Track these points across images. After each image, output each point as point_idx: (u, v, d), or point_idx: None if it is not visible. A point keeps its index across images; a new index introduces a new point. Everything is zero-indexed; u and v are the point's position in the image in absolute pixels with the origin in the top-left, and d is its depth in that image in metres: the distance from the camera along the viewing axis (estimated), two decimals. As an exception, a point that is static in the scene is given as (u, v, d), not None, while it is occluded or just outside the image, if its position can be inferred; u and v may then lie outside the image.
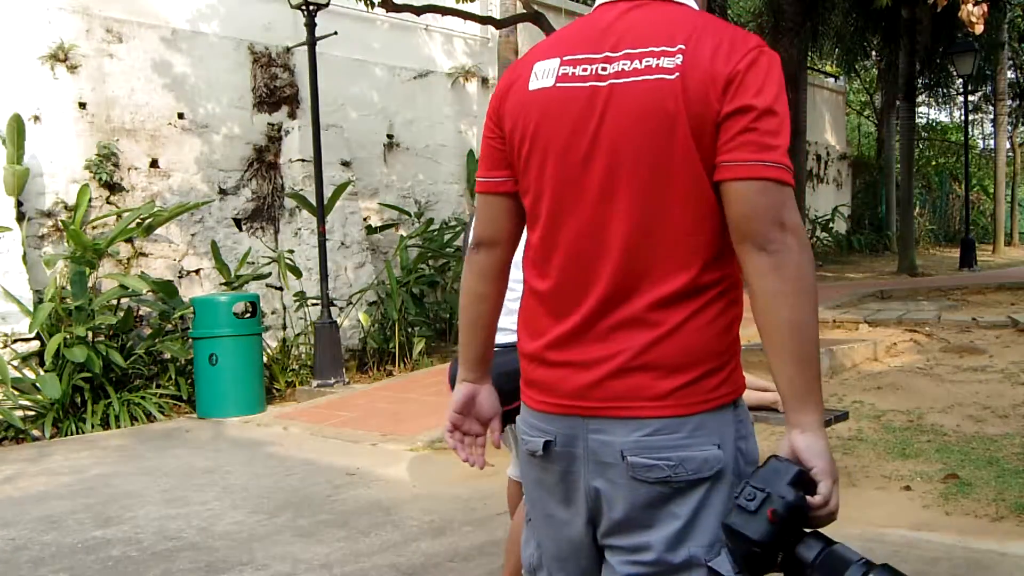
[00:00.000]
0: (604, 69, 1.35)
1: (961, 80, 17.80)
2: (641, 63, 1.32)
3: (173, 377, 7.58)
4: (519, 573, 2.95)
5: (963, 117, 19.96)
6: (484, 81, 11.57)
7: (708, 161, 1.30)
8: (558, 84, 1.39)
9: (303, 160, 9.12)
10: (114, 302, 7.58)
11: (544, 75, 1.41)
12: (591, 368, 1.39)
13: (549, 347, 1.45)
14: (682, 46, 1.30)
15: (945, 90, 22.83)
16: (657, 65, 1.30)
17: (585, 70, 1.37)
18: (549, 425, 1.45)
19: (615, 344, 1.37)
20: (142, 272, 8.03)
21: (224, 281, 8.49)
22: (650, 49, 1.32)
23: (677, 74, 1.28)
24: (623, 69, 1.33)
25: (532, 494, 1.55)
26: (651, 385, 1.35)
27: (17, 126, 7.26)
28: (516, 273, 1.62)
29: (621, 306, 1.37)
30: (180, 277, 8.50)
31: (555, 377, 1.44)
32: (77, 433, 6.71)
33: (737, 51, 1.29)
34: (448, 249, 9.91)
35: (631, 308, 1.36)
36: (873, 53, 19.35)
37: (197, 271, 8.70)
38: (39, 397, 6.75)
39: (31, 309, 7.03)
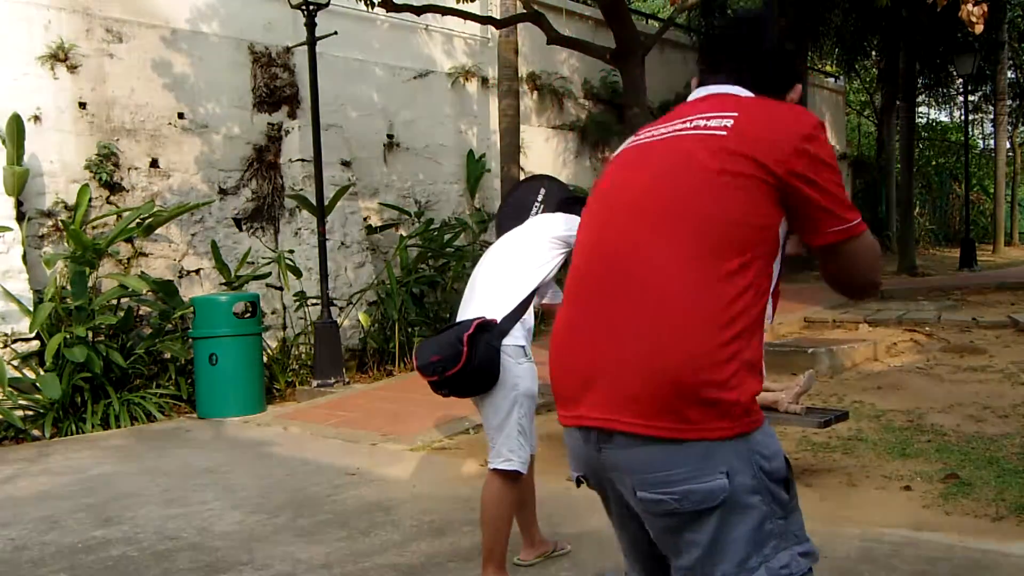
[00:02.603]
0: (663, 131, 1.64)
1: (961, 80, 17.80)
2: (691, 123, 1.58)
3: (173, 377, 7.58)
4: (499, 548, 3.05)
5: (963, 117, 19.96)
6: (484, 81, 11.56)
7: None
8: (629, 146, 1.72)
9: (303, 160, 9.12)
10: (114, 302, 7.58)
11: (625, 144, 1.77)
12: None
13: None
14: (735, 114, 1.54)
15: (945, 90, 22.82)
16: (706, 125, 1.55)
17: (651, 135, 1.67)
18: None
19: None
20: (142, 272, 8.03)
21: (224, 281, 8.49)
22: (705, 114, 1.58)
23: (725, 132, 1.52)
24: (677, 127, 1.61)
25: None
26: None
27: (17, 126, 7.26)
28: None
29: None
30: (180, 277, 8.50)
31: None
32: (77, 433, 6.71)
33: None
34: (448, 249, 9.91)
35: None
36: (873, 53, 19.34)
37: (197, 271, 8.70)
38: (39, 397, 6.74)
39: (31, 309, 7.03)
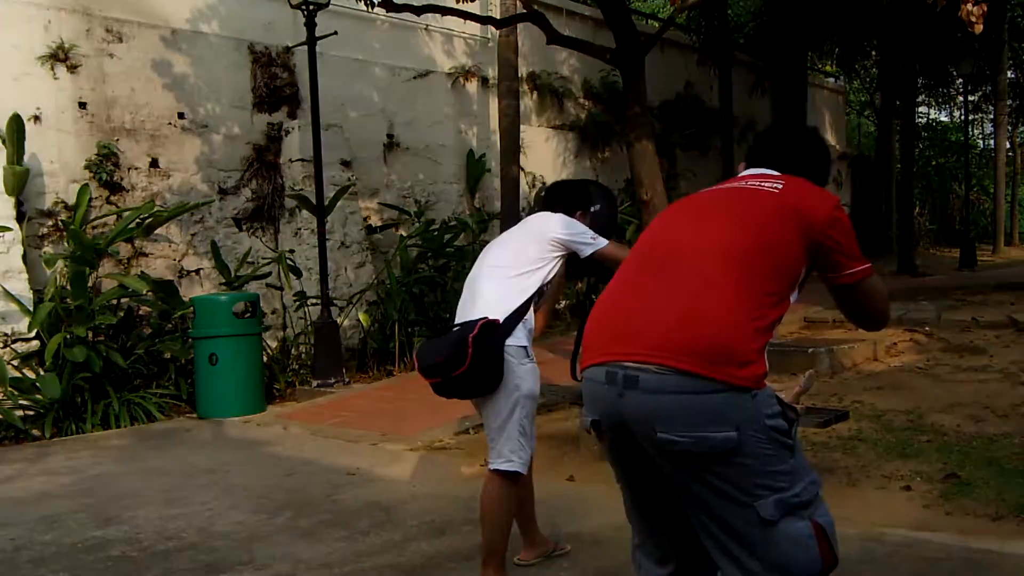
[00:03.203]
0: (719, 187, 2.18)
1: (961, 80, 17.79)
2: (746, 183, 2.10)
3: (173, 377, 7.58)
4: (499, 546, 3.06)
5: (963, 117, 19.96)
6: (484, 81, 11.56)
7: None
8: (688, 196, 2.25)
9: (303, 160, 9.11)
10: (114, 302, 7.57)
11: None
12: None
13: None
14: (783, 184, 2.03)
15: (945, 90, 22.83)
16: (760, 185, 2.05)
17: (707, 190, 2.19)
18: None
19: None
20: (142, 272, 8.02)
21: (224, 281, 8.48)
22: (757, 181, 2.09)
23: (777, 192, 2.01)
24: (733, 185, 2.13)
25: None
26: None
27: (17, 126, 7.26)
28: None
29: None
30: (180, 277, 8.50)
31: None
32: (77, 433, 6.71)
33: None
34: (448, 249, 9.90)
35: None
36: (873, 53, 19.33)
37: (197, 271, 8.70)
38: (39, 397, 6.74)
39: (31, 309, 7.03)
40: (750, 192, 2.03)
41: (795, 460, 1.84)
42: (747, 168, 2.20)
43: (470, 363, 2.91)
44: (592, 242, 3.19)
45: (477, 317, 3.04)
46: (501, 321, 3.03)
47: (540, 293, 3.18)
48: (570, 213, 3.36)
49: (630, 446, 1.90)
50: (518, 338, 3.07)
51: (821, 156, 2.22)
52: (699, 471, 1.79)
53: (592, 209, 3.44)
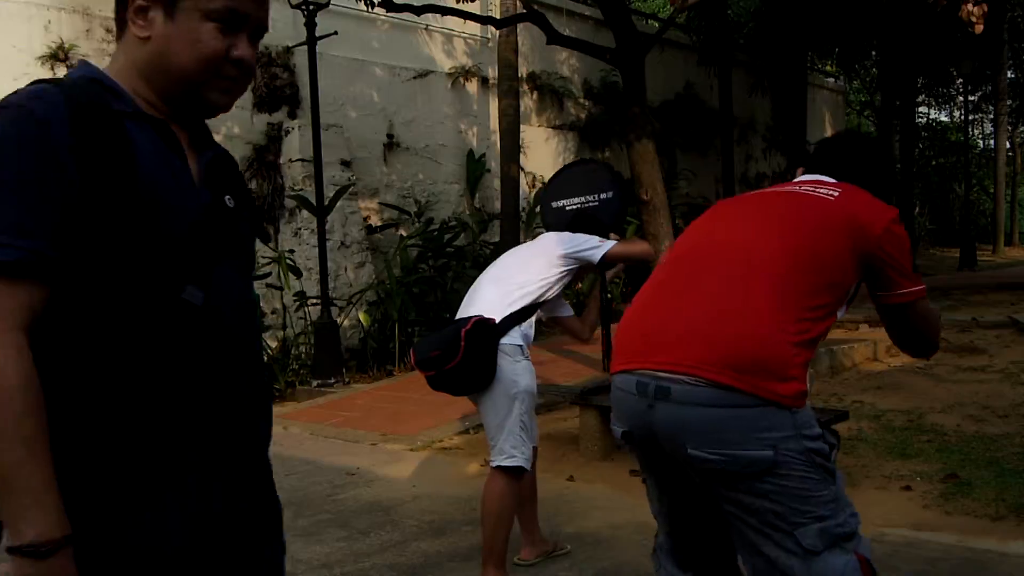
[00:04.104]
0: (771, 189, 2.07)
1: (961, 80, 17.80)
2: (800, 187, 1.96)
3: (173, 377, 7.57)
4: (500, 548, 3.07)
5: (963, 117, 19.97)
6: (484, 81, 11.56)
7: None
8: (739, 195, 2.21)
9: (303, 160, 9.12)
10: (114, 302, 7.57)
11: None
12: None
13: None
14: (839, 191, 1.89)
15: (945, 90, 22.83)
16: (815, 191, 1.91)
17: (758, 192, 2.11)
18: None
19: None
20: (142, 272, 8.02)
21: (224, 281, 8.47)
22: (812, 186, 1.95)
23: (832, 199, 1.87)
24: (785, 189, 2.00)
25: None
26: None
27: (17, 126, 7.26)
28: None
29: None
30: (180, 277, 8.49)
31: None
32: (77, 433, 6.70)
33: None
34: (448, 249, 9.91)
35: None
36: (873, 53, 19.33)
37: (197, 271, 8.69)
38: (39, 397, 6.74)
39: (31, 309, 7.02)
40: (802, 197, 1.90)
41: (836, 487, 1.72)
42: (805, 173, 2.06)
43: (462, 357, 2.96)
44: (599, 246, 3.25)
45: (474, 314, 3.09)
46: (497, 321, 3.07)
47: (541, 303, 3.22)
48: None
49: (662, 457, 1.79)
50: (513, 337, 3.11)
51: (884, 167, 2.10)
52: (734, 491, 1.68)
53: (603, 196, 3.49)
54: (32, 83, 1.17)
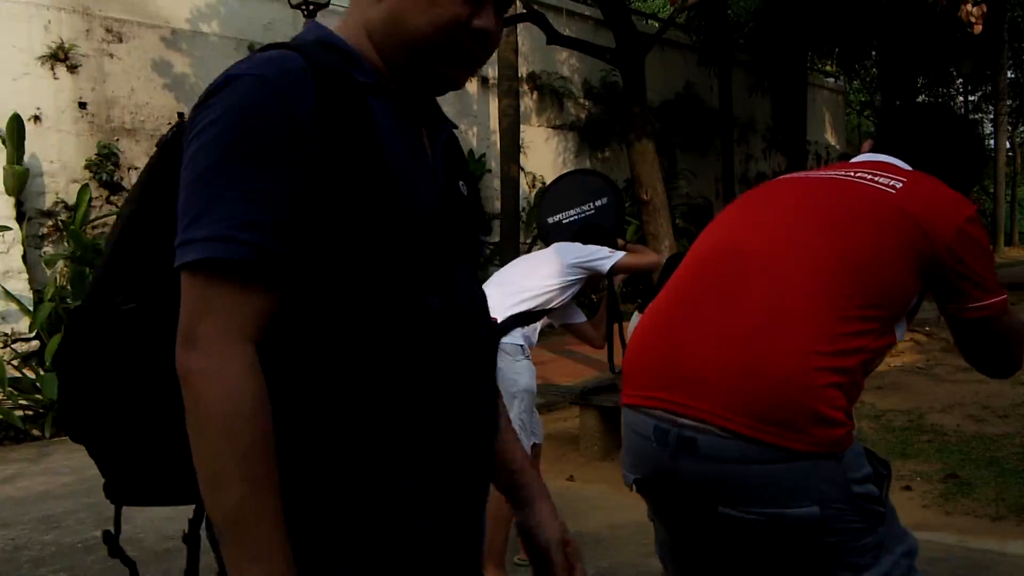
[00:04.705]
0: (821, 174, 1.67)
1: (961, 80, 17.80)
2: (855, 174, 1.60)
3: (173, 377, 7.56)
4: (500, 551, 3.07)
5: (963, 117, 19.87)
6: (484, 81, 11.56)
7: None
8: (782, 177, 1.77)
9: (303, 160, 9.11)
10: (114, 302, 7.56)
11: None
12: None
13: None
14: (905, 180, 1.55)
15: (945, 90, 22.82)
16: (873, 179, 1.57)
17: (806, 175, 1.73)
18: None
19: None
20: (142, 272, 8.01)
21: (224, 281, 8.47)
22: (870, 171, 1.60)
23: (894, 191, 1.53)
24: (837, 174, 1.63)
25: None
26: None
27: (17, 126, 7.25)
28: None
29: None
30: (180, 277, 8.49)
31: None
32: (77, 433, 6.70)
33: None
34: (448, 249, 9.90)
35: None
36: (873, 53, 19.33)
37: (197, 271, 8.69)
38: (39, 397, 6.74)
39: (31, 309, 7.03)
40: (854, 187, 1.56)
41: (884, 528, 1.50)
42: (870, 151, 1.73)
43: None
44: (608, 256, 3.26)
45: None
46: (499, 320, 3.07)
47: (548, 310, 3.22)
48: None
49: (682, 508, 1.54)
50: (514, 337, 3.11)
51: (969, 150, 1.72)
52: (767, 550, 1.45)
53: (598, 203, 3.49)
54: (261, 49, 1.02)
